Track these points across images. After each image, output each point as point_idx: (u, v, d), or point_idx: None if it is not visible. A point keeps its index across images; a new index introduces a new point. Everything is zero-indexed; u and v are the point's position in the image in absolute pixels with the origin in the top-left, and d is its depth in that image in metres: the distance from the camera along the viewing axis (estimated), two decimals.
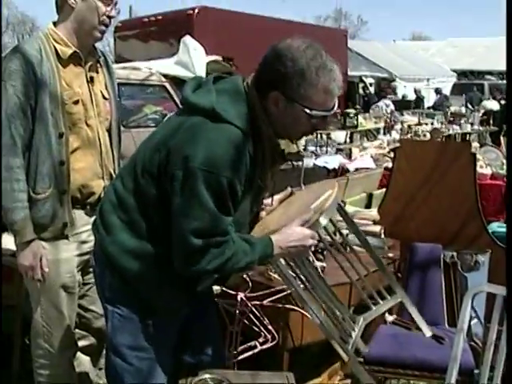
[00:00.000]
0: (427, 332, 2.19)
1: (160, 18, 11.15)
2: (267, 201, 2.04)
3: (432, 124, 10.60)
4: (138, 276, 1.81)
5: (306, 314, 2.15)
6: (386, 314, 2.82)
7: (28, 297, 2.46)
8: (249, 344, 2.65)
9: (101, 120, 2.39)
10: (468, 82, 19.67)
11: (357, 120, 9.46)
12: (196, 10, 10.55)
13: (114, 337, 1.88)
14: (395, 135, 9.37)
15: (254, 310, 2.62)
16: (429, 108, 15.67)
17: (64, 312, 2.37)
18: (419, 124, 10.35)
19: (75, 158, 2.30)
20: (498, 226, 4.18)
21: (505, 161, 5.73)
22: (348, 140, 9.76)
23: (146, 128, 5.62)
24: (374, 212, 3.69)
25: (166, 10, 11.68)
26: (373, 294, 2.12)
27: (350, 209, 3.70)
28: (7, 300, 2.80)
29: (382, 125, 10.63)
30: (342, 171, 6.07)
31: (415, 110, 13.81)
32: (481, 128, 11.33)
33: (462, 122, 10.92)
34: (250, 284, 2.63)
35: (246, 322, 2.63)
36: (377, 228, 3.44)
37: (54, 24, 2.31)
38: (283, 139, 1.85)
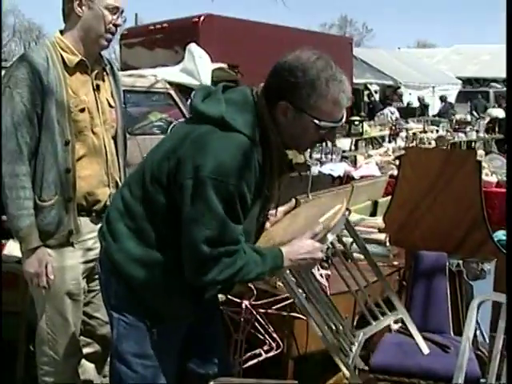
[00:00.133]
0: (425, 349, 2.21)
1: (166, 25, 11.19)
2: (271, 212, 2.04)
3: (437, 132, 10.59)
4: (144, 284, 1.81)
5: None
6: (391, 323, 2.81)
7: (33, 304, 2.46)
8: (253, 352, 2.64)
9: (107, 128, 2.40)
10: (473, 90, 19.64)
11: (362, 127, 9.48)
12: (201, 18, 10.57)
13: (120, 344, 1.88)
14: (400, 143, 9.37)
15: (258, 317, 2.62)
16: (434, 116, 15.66)
17: (69, 319, 2.37)
18: (424, 131, 10.34)
19: (81, 165, 2.31)
20: (503, 234, 4.16)
21: None
22: (353, 147, 9.75)
23: (151, 135, 5.65)
24: (379, 220, 3.68)
25: (171, 17, 11.74)
26: (374, 308, 2.14)
27: (354, 217, 3.69)
28: (12, 307, 2.80)
29: (387, 132, 10.64)
30: (347, 179, 6.06)
31: (420, 117, 13.80)
32: (486, 136, 11.32)
33: (468, 129, 10.91)
34: (255, 292, 2.63)
35: (250, 329, 2.63)
36: (382, 236, 3.43)
37: (61, 32, 2.33)
38: (291, 150, 1.86)
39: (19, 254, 2.36)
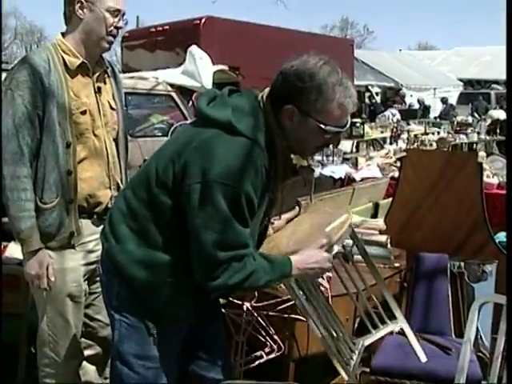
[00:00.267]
0: (423, 358, 2.21)
1: (167, 27, 11.20)
2: (275, 216, 2.05)
3: (438, 133, 10.60)
4: (146, 285, 1.81)
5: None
6: None
7: (34, 306, 2.47)
8: (255, 354, 2.64)
9: (108, 130, 2.40)
10: (474, 92, 19.66)
11: (363, 129, 9.47)
12: (202, 20, 10.58)
13: (121, 345, 1.88)
14: (401, 144, 9.37)
15: (259, 319, 2.62)
16: (435, 117, 15.67)
17: (70, 321, 2.37)
18: (425, 133, 10.35)
19: (82, 167, 2.31)
20: (504, 236, 4.16)
21: None
22: (354, 149, 9.76)
23: (152, 137, 5.65)
24: (380, 222, 3.68)
25: (172, 19, 11.76)
26: (374, 316, 2.15)
27: (356, 219, 3.69)
28: (13, 309, 2.80)
29: (388, 134, 10.65)
30: (348, 181, 6.06)
31: (421, 119, 13.81)
32: (487, 137, 11.31)
33: (469, 131, 10.91)
34: (256, 294, 2.63)
35: (251, 331, 2.63)
36: (383, 238, 3.43)
37: (63, 35, 2.33)
38: (296, 154, 1.87)
39: (20, 256, 2.36)
